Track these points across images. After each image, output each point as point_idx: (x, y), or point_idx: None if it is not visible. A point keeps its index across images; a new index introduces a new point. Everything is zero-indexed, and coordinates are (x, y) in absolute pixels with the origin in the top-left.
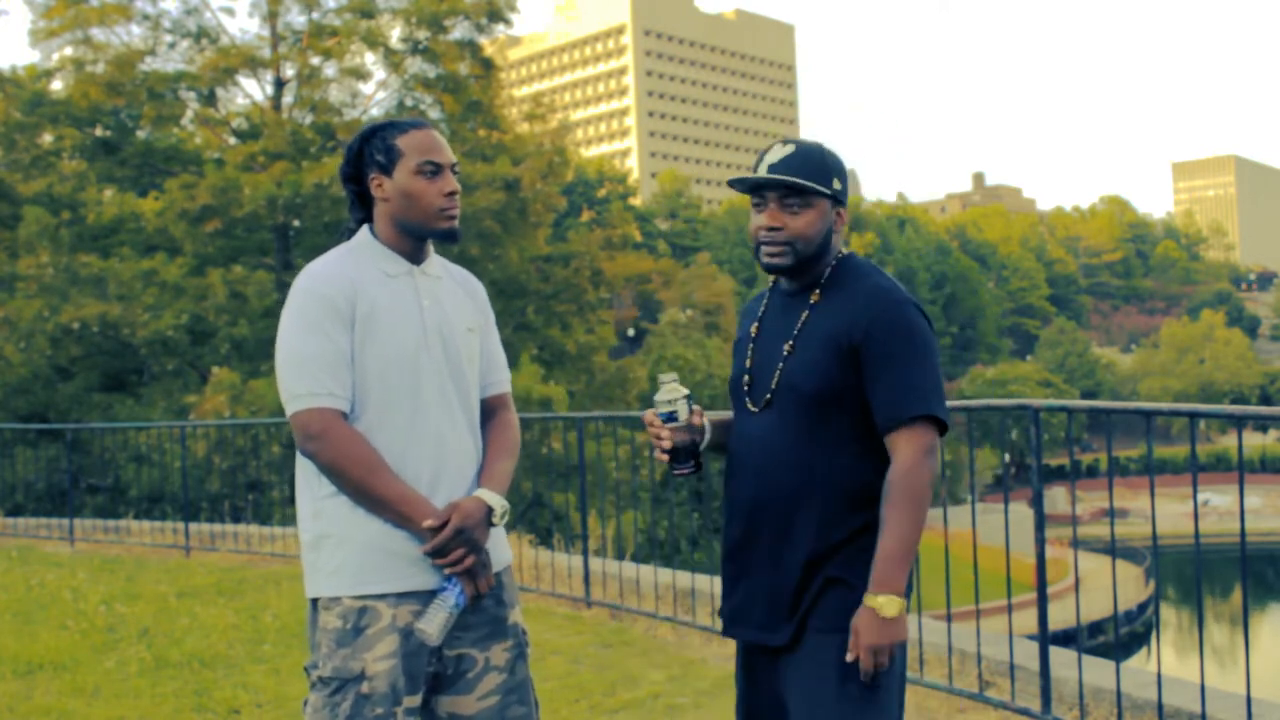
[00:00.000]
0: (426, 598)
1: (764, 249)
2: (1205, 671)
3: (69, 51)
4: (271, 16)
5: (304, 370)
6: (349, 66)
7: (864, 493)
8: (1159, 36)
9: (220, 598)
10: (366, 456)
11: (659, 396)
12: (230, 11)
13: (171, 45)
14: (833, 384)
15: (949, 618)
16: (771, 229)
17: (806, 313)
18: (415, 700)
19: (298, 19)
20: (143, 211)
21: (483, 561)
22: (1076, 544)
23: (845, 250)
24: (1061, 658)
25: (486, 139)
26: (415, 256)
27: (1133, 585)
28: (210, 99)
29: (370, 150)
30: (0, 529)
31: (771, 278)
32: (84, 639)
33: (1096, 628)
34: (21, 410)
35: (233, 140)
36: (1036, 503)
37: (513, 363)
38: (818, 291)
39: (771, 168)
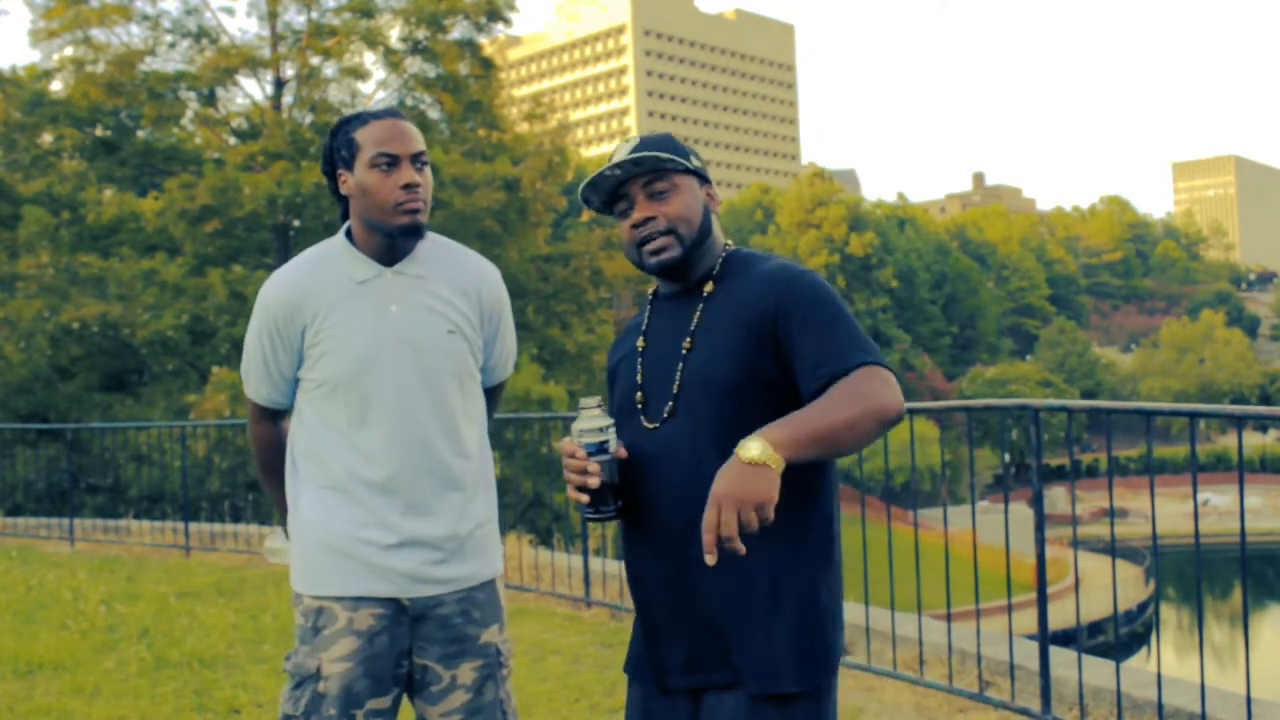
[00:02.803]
0: (387, 604)
1: (646, 248)
2: (1205, 671)
3: (69, 51)
4: (271, 16)
5: (247, 369)
6: (349, 66)
7: (804, 492)
8: (1159, 36)
9: (220, 598)
10: (271, 458)
11: (582, 425)
12: (230, 11)
13: (171, 45)
14: (749, 369)
15: (949, 618)
16: (646, 220)
17: (701, 305)
18: (384, 702)
19: (297, 19)
20: (143, 211)
21: None
22: (1076, 544)
23: (730, 245)
24: (1061, 658)
25: (486, 139)
26: (387, 255)
27: (1133, 585)
28: (210, 99)
29: (336, 146)
30: (0, 529)
31: (650, 290)
32: (84, 639)
33: (1096, 628)
34: (21, 410)
35: (233, 140)
36: (1036, 503)
37: None
38: (710, 283)
39: (622, 164)
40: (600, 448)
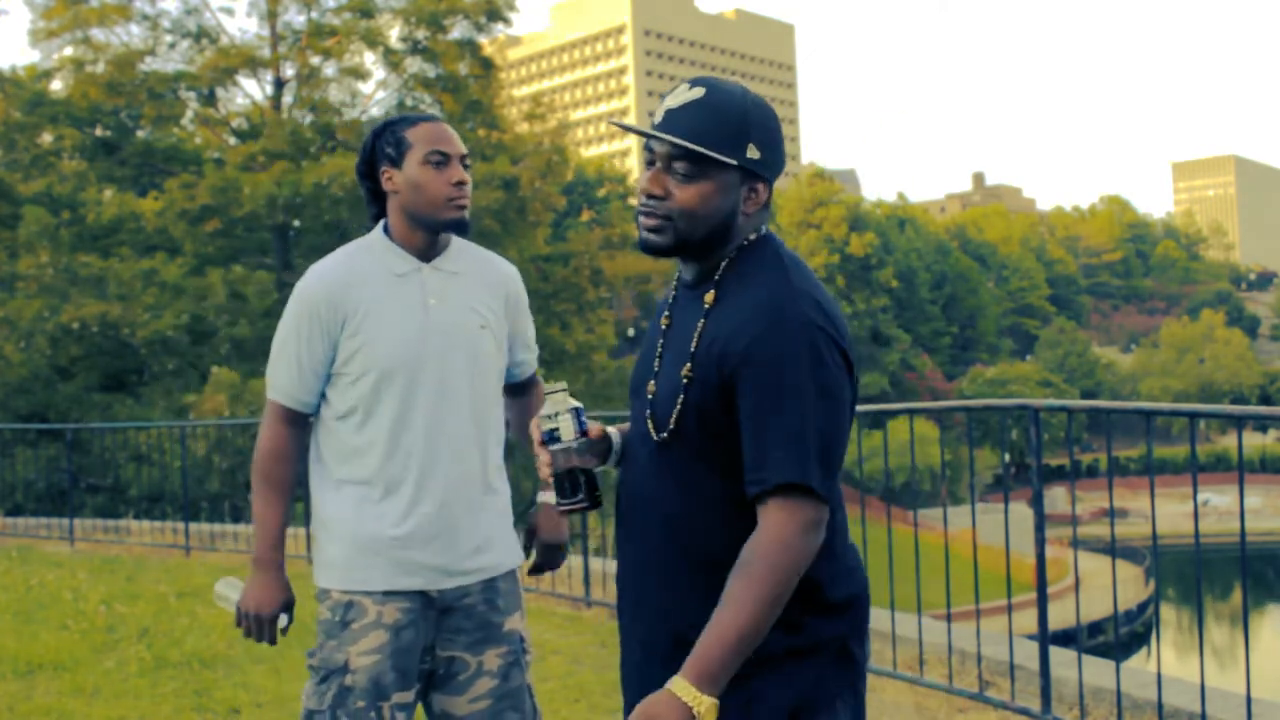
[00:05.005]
0: (415, 598)
1: (640, 220)
2: (1205, 671)
3: (69, 51)
4: (271, 16)
5: (274, 365)
6: (348, 66)
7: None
8: (1159, 36)
9: None
10: (271, 467)
11: (542, 410)
12: (230, 11)
13: (171, 45)
14: (709, 420)
15: (949, 618)
16: (652, 196)
17: (702, 322)
18: (407, 696)
19: (297, 18)
20: (143, 211)
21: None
22: (1076, 544)
23: (758, 232)
24: (1061, 658)
25: (486, 138)
26: (426, 252)
27: (1133, 585)
28: (210, 99)
29: (381, 145)
30: (0, 529)
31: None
32: (84, 639)
33: (1096, 628)
34: (21, 410)
35: (233, 140)
36: (1036, 503)
37: None
38: (713, 292)
39: (669, 114)
40: (551, 436)
